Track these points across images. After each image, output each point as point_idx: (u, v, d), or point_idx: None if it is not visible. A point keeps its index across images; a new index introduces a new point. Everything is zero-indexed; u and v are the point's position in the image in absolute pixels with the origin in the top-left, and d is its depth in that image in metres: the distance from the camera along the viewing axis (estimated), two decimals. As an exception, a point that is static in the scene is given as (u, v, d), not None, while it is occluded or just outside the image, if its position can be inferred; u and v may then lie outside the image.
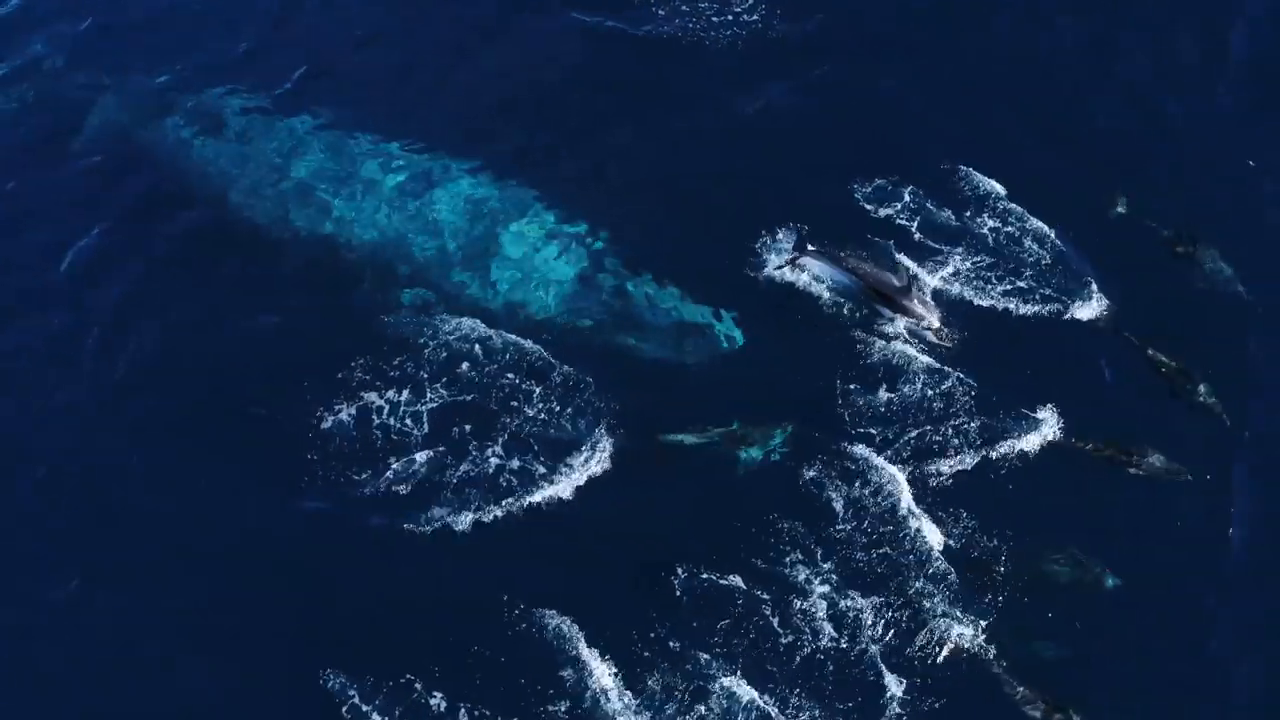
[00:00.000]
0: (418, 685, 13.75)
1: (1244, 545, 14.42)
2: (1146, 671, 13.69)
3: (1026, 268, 16.70)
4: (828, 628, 13.82)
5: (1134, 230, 17.14)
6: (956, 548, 14.35)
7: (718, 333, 16.68)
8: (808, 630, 13.83)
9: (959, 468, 14.96)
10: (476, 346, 16.51)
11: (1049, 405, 15.37)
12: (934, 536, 14.41)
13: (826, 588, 14.09)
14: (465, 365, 16.33)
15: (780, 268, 16.84)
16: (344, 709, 13.68)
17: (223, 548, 15.39)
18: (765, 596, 14.06)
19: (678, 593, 14.20)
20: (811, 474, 15.00)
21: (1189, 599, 14.14)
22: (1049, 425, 15.20)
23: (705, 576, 14.26)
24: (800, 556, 14.34)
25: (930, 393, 15.58)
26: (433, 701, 13.65)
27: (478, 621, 14.15)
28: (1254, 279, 16.61)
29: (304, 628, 14.57)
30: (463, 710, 13.58)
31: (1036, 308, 16.33)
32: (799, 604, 13.99)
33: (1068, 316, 16.28)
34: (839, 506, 14.72)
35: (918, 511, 14.59)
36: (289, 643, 14.50)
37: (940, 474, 14.93)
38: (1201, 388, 15.41)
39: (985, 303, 16.47)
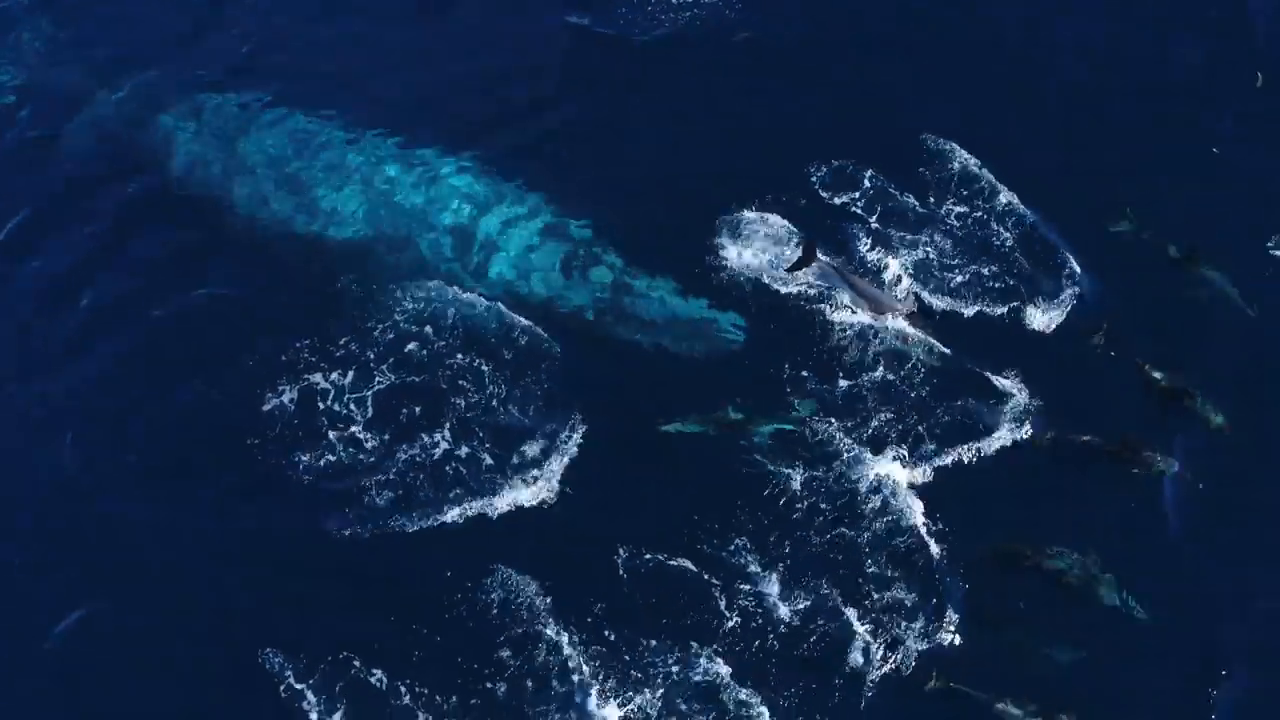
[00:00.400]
0: (356, 662, 13.80)
1: (1232, 552, 14.48)
2: (1104, 664, 13.74)
3: (1018, 268, 16.67)
4: (784, 611, 13.96)
5: (1135, 239, 16.87)
6: (926, 535, 14.45)
7: (700, 316, 16.61)
8: (763, 613, 13.95)
9: (936, 457, 15.01)
10: (428, 326, 16.45)
11: (1028, 399, 15.40)
12: (905, 522, 14.51)
13: (783, 572, 14.19)
14: (415, 345, 16.26)
15: (790, 270, 16.51)
16: (281, 688, 13.73)
17: (156, 529, 15.34)
18: (716, 581, 14.14)
19: (622, 572, 14.27)
20: (786, 459, 15.03)
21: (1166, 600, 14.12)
22: (1028, 419, 15.24)
23: (651, 557, 14.33)
24: (759, 542, 14.40)
25: (903, 382, 15.62)
26: (373, 679, 13.71)
27: (419, 601, 14.22)
28: (1255, 287, 16.44)
29: (238, 608, 14.58)
30: (402, 687, 13.63)
31: (1033, 307, 16.34)
32: (753, 588, 14.11)
33: (1063, 320, 16.25)
34: (809, 490, 14.78)
35: (891, 498, 14.69)
36: (223, 624, 14.52)
37: (914, 462, 15.00)
38: (1199, 399, 15.21)
39: (977, 299, 16.46)
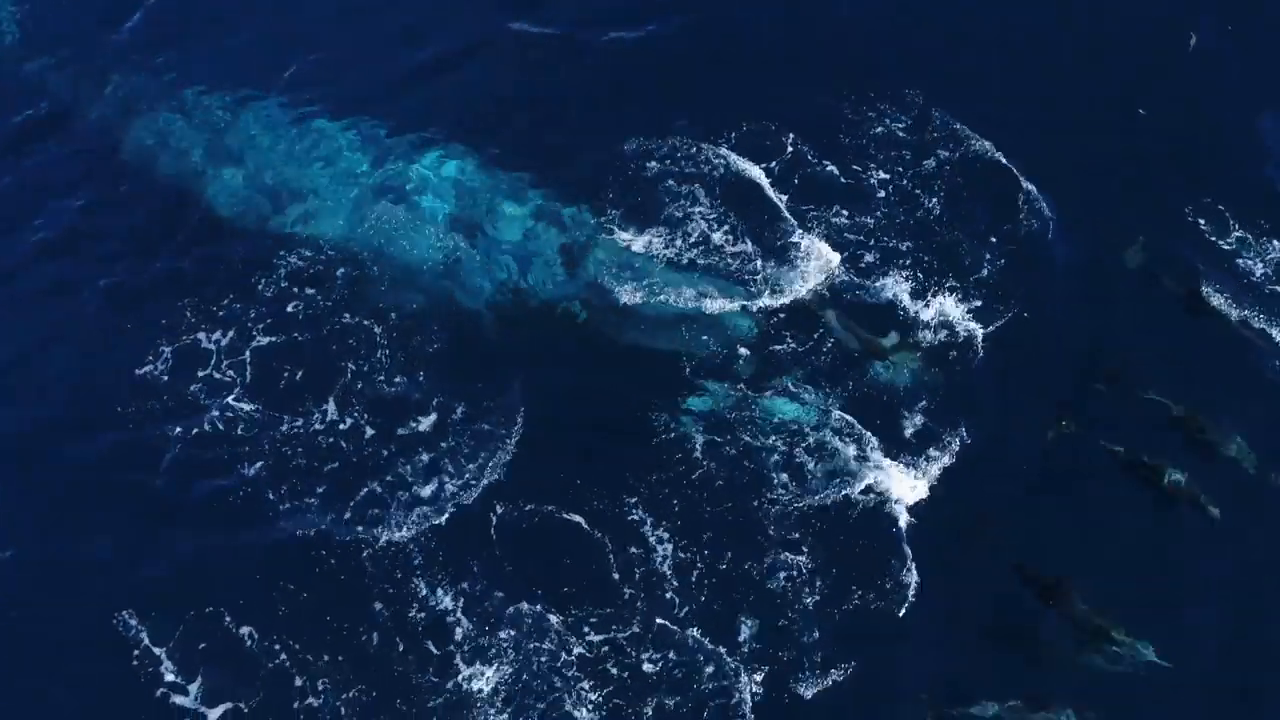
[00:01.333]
0: (227, 617, 13.89)
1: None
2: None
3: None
4: (672, 575, 13.96)
5: (1146, 271, 16.36)
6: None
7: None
8: (652, 576, 13.97)
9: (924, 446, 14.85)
10: (309, 288, 16.42)
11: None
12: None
13: (675, 536, 14.16)
14: (298, 304, 16.27)
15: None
16: (135, 651, 13.76)
17: (12, 489, 15.42)
18: (609, 543, 14.14)
19: (493, 534, 14.29)
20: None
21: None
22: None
23: (525, 511, 14.39)
24: (653, 502, 14.40)
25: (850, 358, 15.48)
26: (242, 630, 13.82)
27: (295, 560, 14.30)
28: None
29: (95, 569, 14.59)
30: (276, 643, 13.67)
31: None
32: (645, 550, 14.10)
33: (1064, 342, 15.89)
34: (710, 454, 14.79)
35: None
36: (80, 586, 14.55)
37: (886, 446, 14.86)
38: (1217, 434, 14.76)
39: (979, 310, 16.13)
